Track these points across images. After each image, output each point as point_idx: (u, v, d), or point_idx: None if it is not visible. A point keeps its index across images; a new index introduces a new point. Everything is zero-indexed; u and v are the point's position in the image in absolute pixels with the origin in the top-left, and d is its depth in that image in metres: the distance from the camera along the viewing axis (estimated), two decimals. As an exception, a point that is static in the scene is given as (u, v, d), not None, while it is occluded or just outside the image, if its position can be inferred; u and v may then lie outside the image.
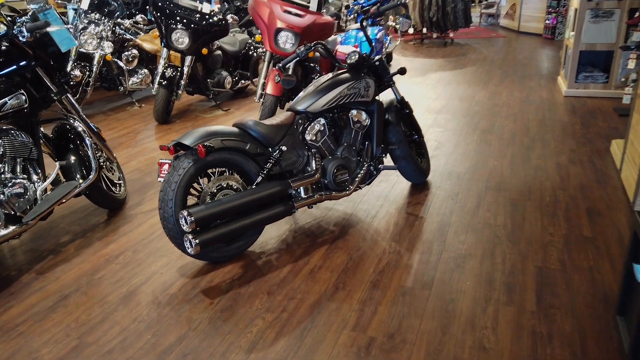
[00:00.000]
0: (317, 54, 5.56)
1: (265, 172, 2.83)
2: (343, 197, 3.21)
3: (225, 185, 2.76)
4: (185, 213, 2.45)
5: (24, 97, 2.85)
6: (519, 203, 3.45)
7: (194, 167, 2.64)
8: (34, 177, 2.91)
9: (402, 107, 3.65)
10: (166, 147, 2.60)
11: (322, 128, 3.10)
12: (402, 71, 3.48)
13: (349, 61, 3.33)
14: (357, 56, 3.30)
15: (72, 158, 3.15)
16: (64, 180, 3.07)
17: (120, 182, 3.66)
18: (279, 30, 4.79)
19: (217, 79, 6.07)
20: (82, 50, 5.94)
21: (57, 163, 2.95)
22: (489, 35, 11.53)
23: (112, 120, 5.86)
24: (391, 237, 3.07)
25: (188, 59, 5.62)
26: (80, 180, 3.10)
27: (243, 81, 6.53)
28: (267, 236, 3.12)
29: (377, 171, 3.34)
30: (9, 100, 2.80)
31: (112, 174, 3.53)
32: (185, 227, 2.46)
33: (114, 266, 2.86)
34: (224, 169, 2.82)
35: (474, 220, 3.22)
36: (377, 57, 3.45)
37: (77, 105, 3.25)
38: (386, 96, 3.76)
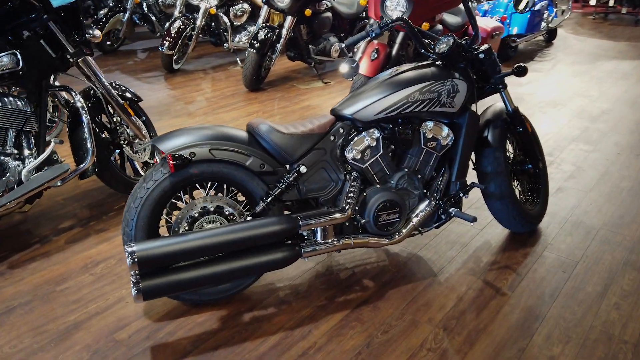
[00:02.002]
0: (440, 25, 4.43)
1: (269, 199, 2.02)
2: (386, 246, 2.28)
3: (212, 209, 2.02)
4: (128, 248, 1.77)
5: (15, 58, 2.38)
6: (676, 303, 2.17)
7: (170, 181, 1.93)
8: (26, 153, 2.47)
9: (512, 123, 2.50)
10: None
11: (375, 144, 2.16)
12: (519, 71, 2.32)
13: (437, 49, 2.29)
14: (449, 44, 2.24)
15: (74, 136, 2.65)
16: (62, 160, 2.60)
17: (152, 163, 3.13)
18: (387, -8, 3.81)
19: (322, 45, 5.24)
20: (189, 1, 5.55)
21: (52, 141, 2.48)
22: None
23: (206, 80, 5.43)
24: (445, 318, 2.08)
25: (288, 19, 4.88)
26: (73, 165, 2.60)
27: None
28: (276, 275, 2.34)
29: (446, 216, 2.31)
30: (-1, 57, 2.35)
31: (140, 155, 3.01)
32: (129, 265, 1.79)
33: (86, 277, 2.33)
34: (223, 184, 2.07)
35: (587, 322, 2.07)
36: (483, 48, 2.34)
37: (98, 71, 2.72)
38: (483, 104, 2.63)
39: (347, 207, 2.08)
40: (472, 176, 2.58)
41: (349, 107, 2.17)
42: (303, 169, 2.05)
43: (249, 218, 2.02)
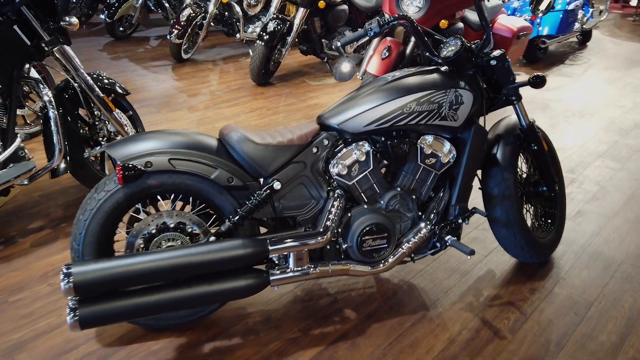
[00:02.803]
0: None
1: (236, 217, 1.78)
2: (370, 275, 2.02)
3: (172, 226, 1.79)
4: (64, 269, 1.56)
5: None
6: None
7: (124, 192, 1.71)
8: (-11, 148, 2.29)
9: (526, 140, 2.21)
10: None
11: (364, 158, 1.90)
12: (536, 82, 2.03)
13: (442, 53, 2.01)
14: (456, 47, 1.96)
15: (45, 132, 2.46)
16: (30, 157, 2.40)
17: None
18: (403, -14, 3.53)
19: (336, 39, 4.97)
20: (201, -13, 5.34)
21: (18, 136, 2.29)
22: None
23: (215, 72, 5.22)
24: (431, 363, 1.82)
25: (301, 11, 4.61)
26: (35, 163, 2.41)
27: (373, 46, 5.32)
28: (249, 297, 2.10)
29: (442, 244, 2.04)
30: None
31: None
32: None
33: (43, 288, 2.14)
34: (189, 197, 1.83)
35: (598, 377, 1.78)
36: (495, 53, 2.04)
37: (76, 61, 2.52)
38: (496, 116, 2.33)
39: (326, 230, 1.83)
40: (477, 196, 2.30)
41: (335, 116, 1.91)
42: (277, 185, 1.80)
43: (212, 238, 1.78)
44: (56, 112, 2.35)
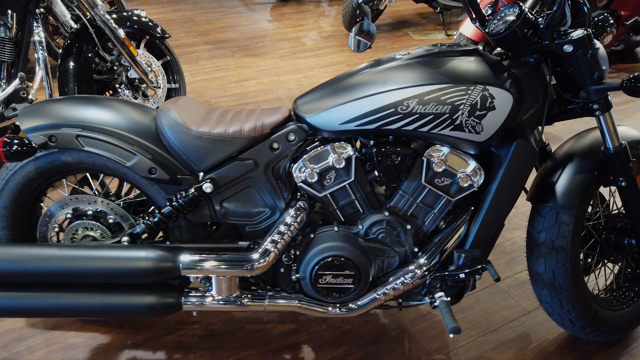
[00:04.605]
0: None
1: (154, 218, 1.42)
2: (334, 317, 1.55)
3: (90, 214, 1.48)
4: None
5: None
6: None
7: (35, 166, 1.43)
8: (-6, 85, 2.18)
9: (611, 169, 1.46)
10: None
11: (342, 165, 1.38)
12: (633, 86, 1.28)
13: (489, 27, 1.37)
14: (511, 18, 1.30)
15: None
16: (35, 99, 2.26)
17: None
18: None
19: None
20: None
21: (18, 75, 2.14)
22: None
23: (314, 15, 4.74)
24: None
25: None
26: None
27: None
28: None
29: (431, 300, 1.45)
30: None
31: (142, 101, 2.57)
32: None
33: None
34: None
35: None
36: (576, 35, 1.31)
37: (94, -4, 2.27)
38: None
39: (265, 254, 1.38)
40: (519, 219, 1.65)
41: (307, 104, 1.40)
42: (207, 187, 1.38)
43: (125, 238, 1.45)
44: (45, 53, 2.16)
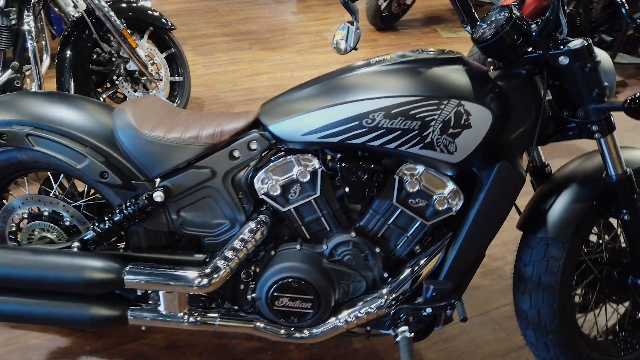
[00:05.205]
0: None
1: (100, 225, 1.34)
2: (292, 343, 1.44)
3: (46, 214, 1.42)
4: None
5: None
6: None
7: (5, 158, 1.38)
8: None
9: (613, 200, 1.28)
10: None
11: (307, 178, 1.26)
12: (636, 108, 1.10)
13: (476, 33, 1.21)
14: (499, 24, 1.15)
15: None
16: (29, 89, 2.24)
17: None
18: None
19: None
20: None
21: (11, 65, 2.12)
22: None
23: (340, 9, 4.59)
24: None
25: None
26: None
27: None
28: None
29: (394, 331, 1.32)
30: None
31: (140, 94, 2.52)
32: None
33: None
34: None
35: None
36: (574, 44, 1.14)
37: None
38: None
39: (216, 270, 1.28)
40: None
41: (271, 111, 1.28)
42: (157, 196, 1.29)
43: (75, 244, 1.38)
44: (34, 43, 2.12)
